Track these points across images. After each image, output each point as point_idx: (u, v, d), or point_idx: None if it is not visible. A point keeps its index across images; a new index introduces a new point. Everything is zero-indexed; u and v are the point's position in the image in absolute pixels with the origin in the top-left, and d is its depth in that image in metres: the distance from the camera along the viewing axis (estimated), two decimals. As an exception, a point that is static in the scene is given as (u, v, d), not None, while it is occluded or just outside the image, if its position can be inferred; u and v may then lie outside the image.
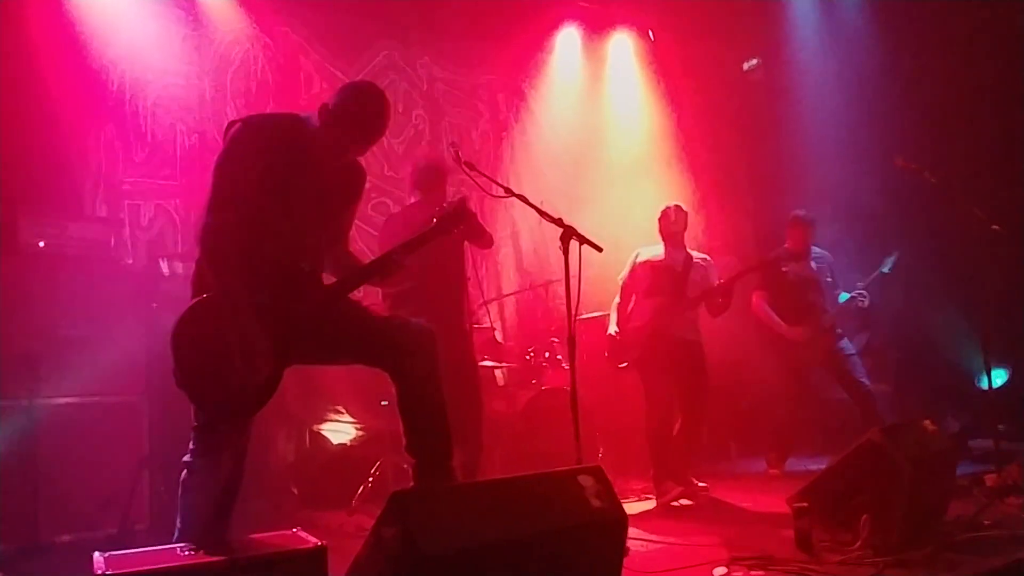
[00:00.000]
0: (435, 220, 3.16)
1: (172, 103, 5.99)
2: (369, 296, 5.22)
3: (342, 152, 3.13)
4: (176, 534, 2.86)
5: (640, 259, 5.53)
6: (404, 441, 2.94)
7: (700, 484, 5.26)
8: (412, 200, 4.88)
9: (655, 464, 5.15)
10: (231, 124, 3.00)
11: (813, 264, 6.14)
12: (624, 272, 5.57)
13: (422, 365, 2.90)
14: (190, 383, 2.71)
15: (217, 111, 6.10)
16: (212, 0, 6.15)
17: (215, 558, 2.31)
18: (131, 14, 5.76)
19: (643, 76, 8.18)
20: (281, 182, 2.92)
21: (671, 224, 5.47)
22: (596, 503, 2.50)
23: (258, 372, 2.75)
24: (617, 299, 5.57)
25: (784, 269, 6.09)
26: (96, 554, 2.35)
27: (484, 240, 4.77)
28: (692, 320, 5.40)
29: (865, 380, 5.88)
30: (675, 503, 5.00)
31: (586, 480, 2.55)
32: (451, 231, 3.16)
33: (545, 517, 2.40)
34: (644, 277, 5.45)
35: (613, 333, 5.47)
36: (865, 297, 5.94)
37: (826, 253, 6.26)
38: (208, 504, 2.87)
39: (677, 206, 5.54)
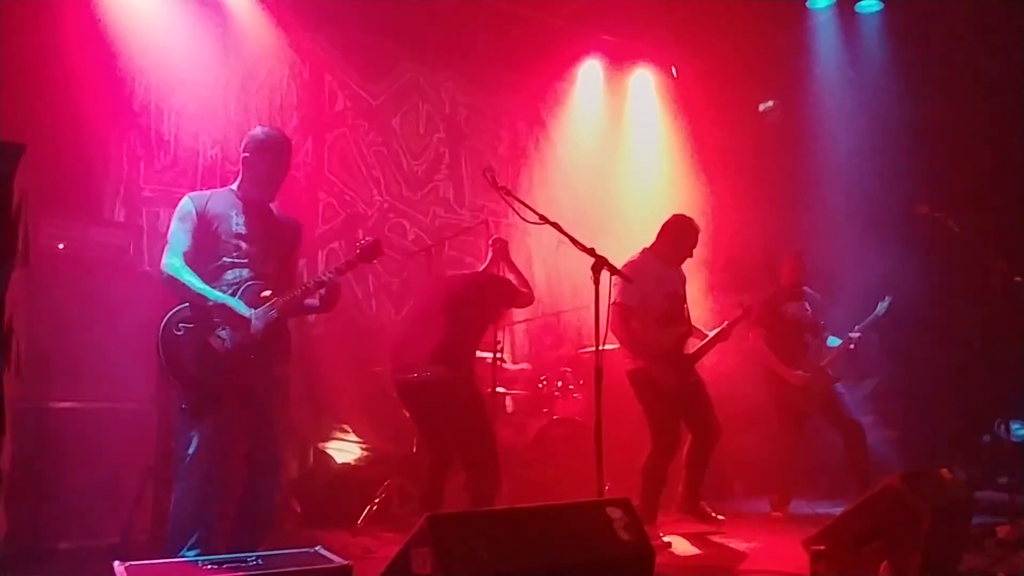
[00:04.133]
0: (358, 250, 3.72)
1: (196, 113, 6.02)
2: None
3: (258, 198, 3.75)
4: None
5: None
6: None
7: (719, 517, 5.21)
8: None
9: (642, 499, 4.89)
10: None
11: (807, 305, 6.10)
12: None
13: None
14: (169, 364, 3.48)
15: (241, 123, 6.12)
16: (243, 13, 6.20)
17: (238, 574, 2.28)
18: (162, 22, 5.80)
19: (663, 111, 8.24)
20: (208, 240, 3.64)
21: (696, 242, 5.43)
22: (625, 536, 2.47)
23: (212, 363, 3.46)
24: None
25: (781, 308, 6.04)
26: (116, 564, 2.32)
27: (521, 299, 4.87)
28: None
29: (855, 416, 5.91)
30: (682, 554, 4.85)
31: (615, 512, 2.53)
32: (364, 263, 3.74)
33: (574, 547, 2.38)
34: (657, 305, 5.12)
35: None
36: (857, 341, 5.92)
37: (816, 295, 6.19)
38: (194, 496, 3.10)
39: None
